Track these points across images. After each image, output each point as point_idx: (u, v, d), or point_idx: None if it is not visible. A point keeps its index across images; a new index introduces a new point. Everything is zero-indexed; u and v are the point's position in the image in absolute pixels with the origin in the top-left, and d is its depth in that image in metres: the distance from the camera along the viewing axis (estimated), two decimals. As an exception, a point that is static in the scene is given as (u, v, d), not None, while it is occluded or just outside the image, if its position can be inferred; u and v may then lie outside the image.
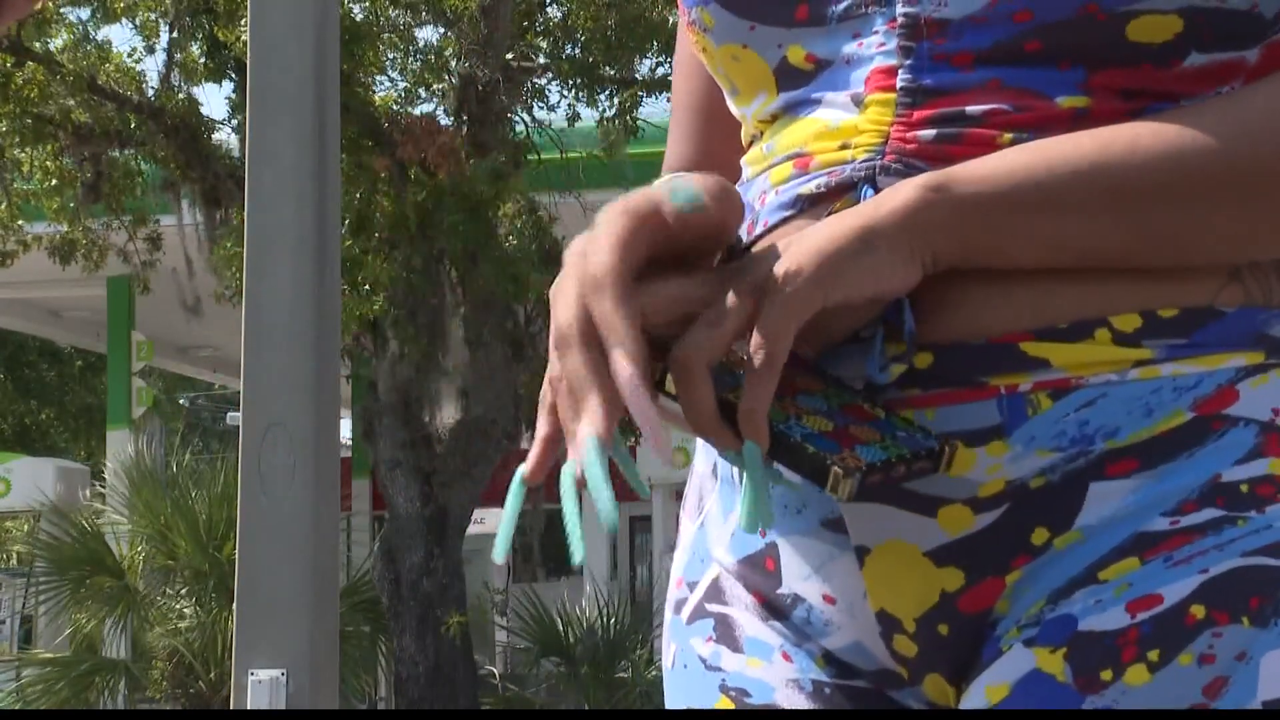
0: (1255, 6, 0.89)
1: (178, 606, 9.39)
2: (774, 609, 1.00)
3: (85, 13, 10.42)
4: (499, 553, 0.88)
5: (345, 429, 12.23)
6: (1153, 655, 0.84)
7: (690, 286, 0.87)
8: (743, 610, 1.01)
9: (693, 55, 1.14)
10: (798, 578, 0.97)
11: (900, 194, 0.87)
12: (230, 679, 4.52)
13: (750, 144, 1.05)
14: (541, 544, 16.55)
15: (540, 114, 10.69)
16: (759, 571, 0.99)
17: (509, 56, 10.00)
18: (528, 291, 9.45)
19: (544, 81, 10.70)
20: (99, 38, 10.58)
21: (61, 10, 10.23)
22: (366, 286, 8.78)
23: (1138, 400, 0.87)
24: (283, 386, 4.35)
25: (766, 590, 0.99)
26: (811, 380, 0.88)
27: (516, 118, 10.41)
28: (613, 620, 10.47)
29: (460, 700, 9.75)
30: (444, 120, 10.00)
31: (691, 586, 1.05)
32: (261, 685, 4.18)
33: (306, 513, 4.32)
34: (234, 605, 4.41)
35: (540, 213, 9.89)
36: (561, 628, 10.46)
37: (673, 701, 1.04)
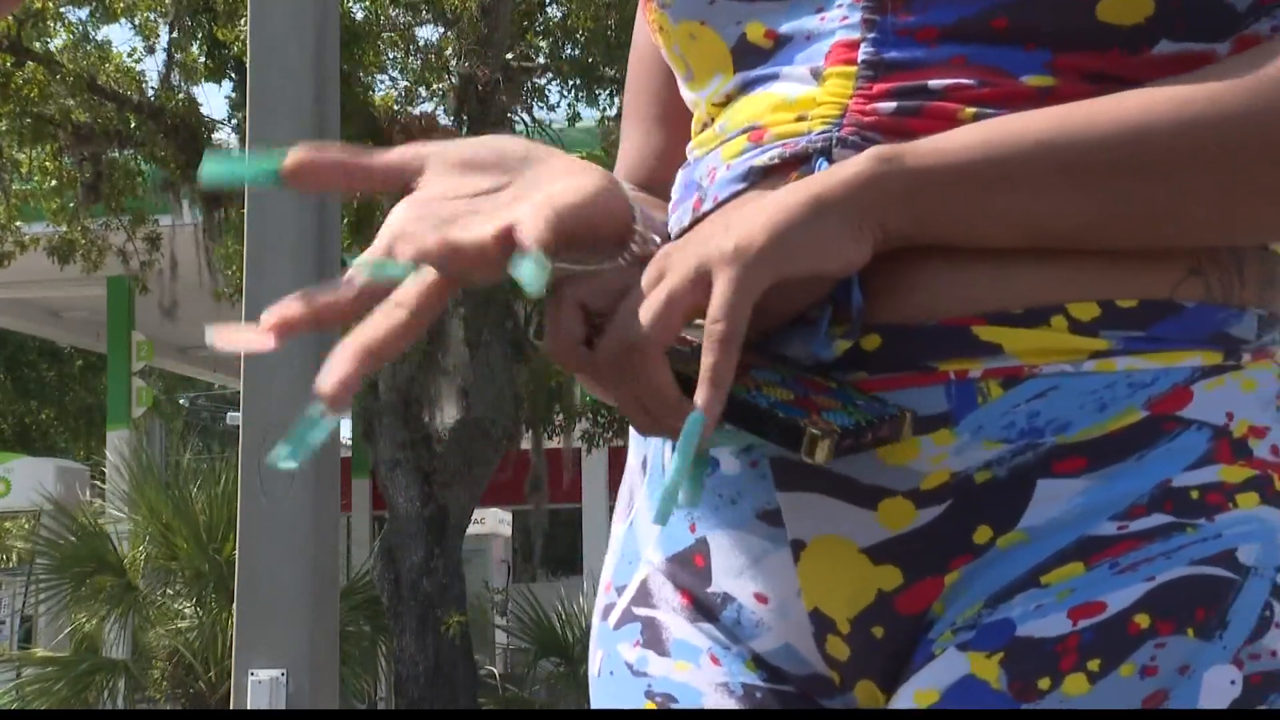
0: None
1: (178, 606, 9.38)
2: (703, 609, 0.96)
3: (85, 13, 10.42)
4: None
5: (345, 429, 12.21)
6: (1093, 665, 0.81)
7: (630, 272, 0.85)
8: (670, 613, 0.97)
9: (649, 50, 1.11)
10: (729, 574, 0.93)
11: (851, 165, 0.84)
12: (230, 679, 4.52)
13: (701, 130, 1.01)
14: (546, 542, 16.52)
15: (540, 114, 10.69)
16: (688, 569, 0.96)
17: (509, 56, 10.00)
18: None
19: (544, 81, 10.70)
20: (99, 38, 10.59)
21: (61, 10, 10.23)
22: (366, 286, 8.76)
23: (1091, 394, 0.85)
24: (283, 386, 4.35)
25: (695, 589, 0.96)
26: (758, 358, 0.86)
27: (516, 118, 10.41)
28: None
29: (460, 700, 9.74)
30: (444, 120, 9.99)
31: (619, 590, 1.02)
32: (261, 685, 4.18)
33: (306, 513, 4.32)
34: (234, 605, 4.41)
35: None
36: (561, 628, 10.46)
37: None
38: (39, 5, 9.75)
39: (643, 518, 1.01)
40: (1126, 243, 0.86)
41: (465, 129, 9.81)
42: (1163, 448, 0.85)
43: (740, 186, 0.92)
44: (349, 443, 13.26)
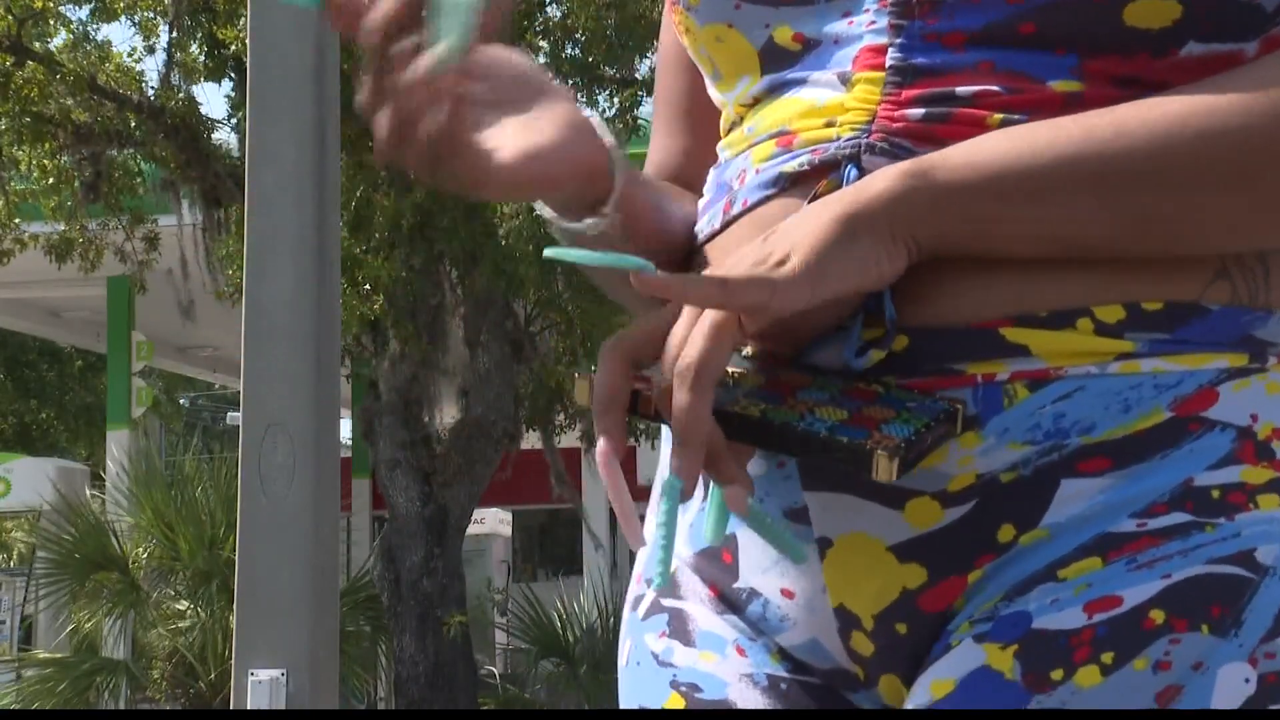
0: None
1: (178, 606, 9.38)
2: (729, 603, 0.98)
3: (85, 12, 10.42)
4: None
5: (345, 429, 12.22)
6: (1106, 658, 0.82)
7: (670, 311, 0.86)
8: (697, 604, 0.99)
9: (676, 50, 1.12)
10: (756, 570, 0.95)
11: (881, 181, 0.85)
12: (230, 679, 4.52)
13: (730, 130, 1.02)
14: (546, 542, 16.52)
15: (540, 114, 10.66)
16: (716, 564, 0.98)
17: (509, 56, 9.98)
18: (527, 291, 9.44)
19: (544, 81, 10.68)
20: (99, 37, 10.58)
21: (61, 10, 10.22)
22: (366, 286, 8.78)
23: (1116, 395, 0.85)
24: (283, 386, 4.35)
25: (722, 584, 0.98)
26: (799, 375, 0.87)
27: (516, 118, 10.38)
28: (612, 620, 10.46)
29: (460, 700, 9.74)
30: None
31: (649, 582, 1.04)
32: (261, 685, 4.18)
33: (306, 513, 4.32)
34: (234, 605, 4.41)
35: (540, 212, 9.86)
36: (561, 628, 10.46)
37: (625, 700, 1.02)
38: (39, 5, 9.74)
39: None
40: (1151, 251, 0.86)
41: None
42: (1186, 447, 0.85)
43: (770, 192, 0.93)
44: (349, 443, 13.26)
